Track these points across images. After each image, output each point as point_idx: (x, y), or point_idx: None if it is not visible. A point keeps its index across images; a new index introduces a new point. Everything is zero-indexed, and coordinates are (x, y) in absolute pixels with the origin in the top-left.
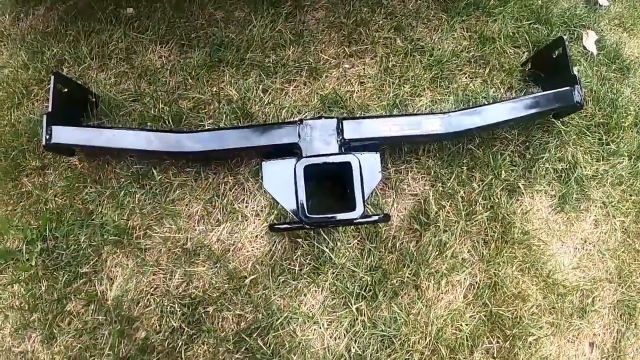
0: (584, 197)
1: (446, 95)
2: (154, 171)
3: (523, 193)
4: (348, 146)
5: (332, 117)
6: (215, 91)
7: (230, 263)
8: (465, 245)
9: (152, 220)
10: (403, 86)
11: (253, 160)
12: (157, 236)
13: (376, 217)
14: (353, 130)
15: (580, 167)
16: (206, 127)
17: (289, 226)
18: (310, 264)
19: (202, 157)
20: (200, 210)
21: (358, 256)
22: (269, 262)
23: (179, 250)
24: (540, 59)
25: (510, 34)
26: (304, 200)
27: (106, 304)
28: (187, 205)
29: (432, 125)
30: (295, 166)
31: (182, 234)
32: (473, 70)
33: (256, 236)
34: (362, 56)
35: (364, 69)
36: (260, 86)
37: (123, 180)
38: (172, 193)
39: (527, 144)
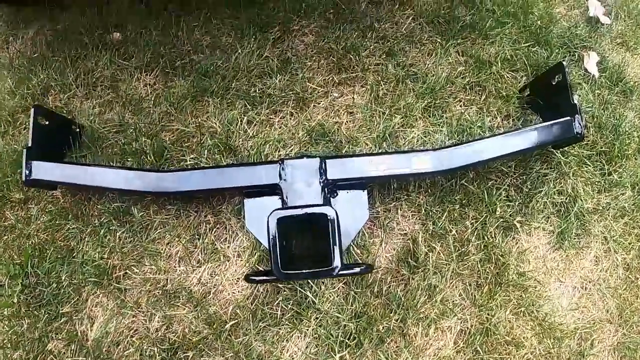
0: (584, 232)
1: (439, 125)
2: (135, 209)
3: (519, 231)
4: (333, 186)
5: (314, 157)
6: (199, 123)
7: (210, 306)
8: (456, 288)
9: (132, 259)
10: (394, 116)
11: (236, 198)
12: (137, 277)
13: (357, 270)
14: (337, 170)
15: (581, 200)
16: (188, 163)
17: (264, 278)
18: (292, 309)
19: (181, 197)
20: (181, 250)
21: (342, 301)
22: (250, 307)
23: (158, 292)
24: (539, 85)
25: (508, 57)
26: (279, 255)
27: (86, 345)
28: (167, 244)
29: (422, 163)
30: (268, 218)
31: (162, 274)
32: (468, 97)
33: (238, 279)
34: (352, 84)
35: (353, 98)
36: (245, 118)
37: (104, 217)
38: (152, 231)
39: (524, 176)
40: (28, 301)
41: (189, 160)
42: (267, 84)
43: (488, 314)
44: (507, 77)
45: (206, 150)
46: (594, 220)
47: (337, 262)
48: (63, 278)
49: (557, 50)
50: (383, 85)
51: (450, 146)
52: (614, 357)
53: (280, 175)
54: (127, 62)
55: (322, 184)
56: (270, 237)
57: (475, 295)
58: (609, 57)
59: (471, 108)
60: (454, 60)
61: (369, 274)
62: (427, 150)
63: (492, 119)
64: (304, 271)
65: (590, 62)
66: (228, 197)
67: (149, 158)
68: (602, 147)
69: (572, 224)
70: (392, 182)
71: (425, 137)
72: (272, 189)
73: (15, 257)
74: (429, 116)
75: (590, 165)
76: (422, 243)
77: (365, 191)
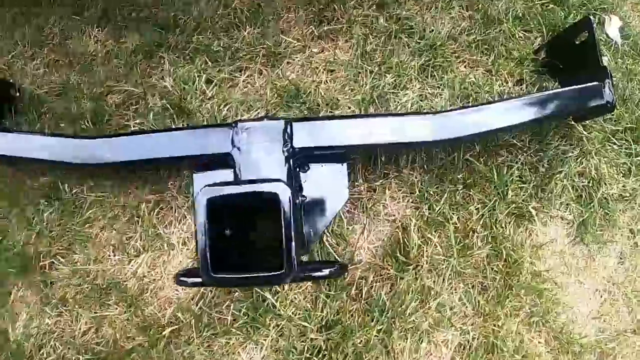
0: (608, 223)
1: (439, 88)
2: (64, 185)
3: (534, 219)
4: (302, 157)
5: (277, 118)
6: (151, 83)
7: (147, 307)
8: (456, 291)
9: (60, 246)
10: (384, 75)
11: (185, 172)
12: (65, 268)
13: (325, 272)
14: (307, 136)
15: (605, 184)
16: (131, 130)
17: (197, 281)
18: (247, 314)
19: (111, 170)
20: (116, 235)
21: (310, 306)
22: (195, 310)
23: (88, 287)
24: (559, 45)
25: (520, 14)
26: (207, 251)
27: (8, 345)
28: (102, 228)
29: (419, 129)
30: (195, 197)
31: (93, 265)
32: (474, 57)
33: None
34: (335, 38)
35: (334, 53)
36: (204, 75)
37: (32, 194)
38: (85, 212)
39: (541, 153)
40: None
41: (133, 127)
42: (233, 38)
43: (494, 325)
44: (519, 36)
45: (151, 113)
46: (620, 210)
47: (290, 263)
48: None
49: (575, 11)
50: (372, 40)
51: (453, 110)
52: None
53: (232, 141)
54: (79, 16)
55: (286, 154)
56: (199, 224)
57: (479, 301)
58: (632, 23)
59: (477, 70)
60: (457, 15)
61: (342, 276)
62: (425, 113)
63: (502, 84)
64: (239, 276)
65: (612, 27)
66: (175, 171)
67: (86, 124)
68: (628, 124)
69: (595, 213)
70: (379, 153)
71: (421, 100)
72: (223, 160)
73: None
74: (427, 77)
75: (615, 144)
76: (414, 232)
77: (345, 165)
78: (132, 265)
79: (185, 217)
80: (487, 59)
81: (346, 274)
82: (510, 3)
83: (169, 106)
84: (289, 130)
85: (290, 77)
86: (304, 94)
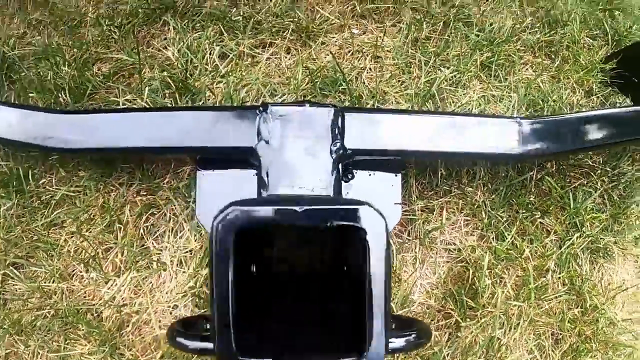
0: None
1: (504, 90)
2: (29, 172)
3: (611, 256)
4: (350, 163)
5: (325, 105)
6: (150, 53)
7: (126, 348)
8: (526, 344)
9: (18, 253)
10: (440, 69)
11: (186, 167)
12: (22, 284)
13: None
14: (362, 133)
15: None
16: (115, 107)
17: (206, 347)
18: None
19: (87, 158)
20: (92, 245)
21: None
22: (191, 357)
23: (50, 312)
24: (634, 55)
25: (582, 18)
26: (230, 314)
27: None
28: (72, 234)
29: (505, 136)
30: (213, 223)
31: (58, 282)
32: (538, 60)
33: (175, 304)
34: (381, 19)
35: (381, 37)
36: (217, 48)
37: None
38: (51, 211)
39: (615, 178)
40: None
41: (122, 103)
42: (256, 7)
43: None
44: (585, 42)
45: (147, 89)
46: None
47: (378, 345)
48: None
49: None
50: (425, 26)
51: (547, 117)
52: None
53: (259, 131)
54: None
55: (334, 156)
56: (217, 264)
57: (552, 356)
58: None
59: (542, 75)
60: (518, 9)
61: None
62: (513, 117)
63: (571, 93)
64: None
65: None
66: (172, 165)
67: (64, 97)
68: None
69: None
70: (444, 163)
71: (485, 103)
72: (242, 157)
73: None
74: (489, 76)
75: None
76: (483, 267)
77: (400, 175)
78: (109, 288)
79: (183, 228)
80: (551, 63)
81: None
82: (574, 4)
83: (170, 81)
84: (339, 122)
85: (326, 60)
86: (343, 81)
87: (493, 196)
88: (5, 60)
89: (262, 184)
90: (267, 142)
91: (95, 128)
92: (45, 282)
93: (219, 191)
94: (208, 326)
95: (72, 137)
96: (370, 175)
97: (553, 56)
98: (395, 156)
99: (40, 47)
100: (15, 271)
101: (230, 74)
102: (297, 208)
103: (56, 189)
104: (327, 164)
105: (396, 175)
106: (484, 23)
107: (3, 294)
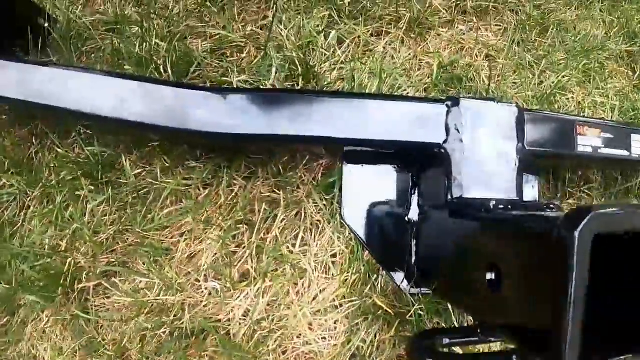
0: None
1: (605, 97)
2: (127, 160)
3: None
4: (527, 164)
5: (510, 103)
6: (251, 31)
7: None
8: None
9: (114, 257)
10: (545, 72)
11: (322, 160)
12: (119, 294)
13: None
14: (540, 134)
15: None
16: (236, 86)
17: None
18: None
19: (229, 145)
20: (212, 250)
21: None
22: None
23: (163, 330)
24: None
25: None
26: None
27: None
28: (185, 236)
29: None
30: (576, 234)
31: (170, 294)
32: (622, 69)
33: (324, 318)
34: (485, 19)
35: (487, 36)
36: (332, 32)
37: (65, 170)
38: (158, 208)
39: None
40: None
41: (238, 84)
42: None
43: None
44: None
45: (266, 70)
46: None
47: None
48: None
49: None
50: (527, 29)
51: None
52: None
53: (447, 127)
54: None
55: (519, 157)
56: (577, 284)
57: None
58: None
59: (629, 85)
60: (599, 17)
61: None
62: None
63: None
64: None
65: None
66: (307, 158)
67: (163, 70)
68: None
69: None
70: (568, 170)
71: (588, 109)
72: (431, 154)
73: None
74: (589, 82)
75: None
76: None
77: (537, 179)
78: (237, 301)
79: (325, 228)
80: (632, 74)
81: None
82: None
83: (292, 63)
84: (521, 121)
85: (442, 55)
86: (464, 78)
87: (603, 200)
88: (71, 30)
89: (451, 184)
90: (460, 140)
91: (241, 110)
92: (149, 295)
93: (367, 188)
94: (446, 341)
95: (212, 119)
96: None
97: (633, 66)
98: (560, 157)
99: (111, 16)
100: (116, 274)
101: (351, 60)
102: None
103: (162, 181)
104: (511, 165)
105: (535, 178)
106: (575, 29)
107: (95, 304)
